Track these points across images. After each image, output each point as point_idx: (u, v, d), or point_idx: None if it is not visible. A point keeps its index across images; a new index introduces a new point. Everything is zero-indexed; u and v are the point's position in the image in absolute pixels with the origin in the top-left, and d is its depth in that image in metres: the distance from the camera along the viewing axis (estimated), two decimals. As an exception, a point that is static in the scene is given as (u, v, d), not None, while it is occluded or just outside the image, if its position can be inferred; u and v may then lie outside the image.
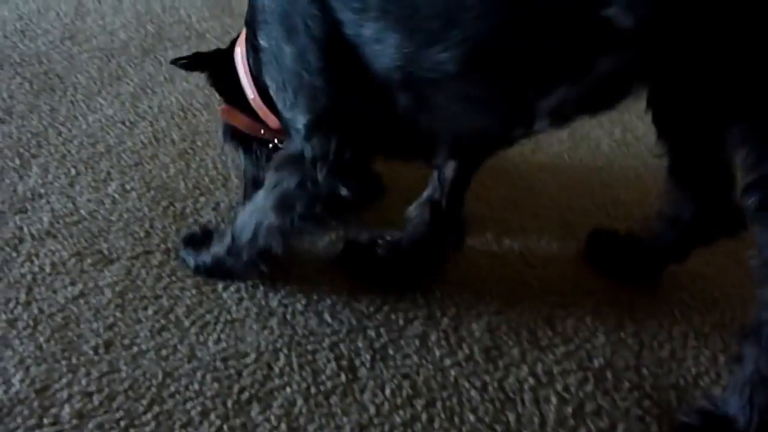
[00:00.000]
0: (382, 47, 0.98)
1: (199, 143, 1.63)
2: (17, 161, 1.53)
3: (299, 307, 1.22)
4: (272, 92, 1.14)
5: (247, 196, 1.33)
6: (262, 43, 1.12)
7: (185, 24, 2.11)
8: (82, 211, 1.40)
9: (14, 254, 1.30)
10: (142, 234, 1.36)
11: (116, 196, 1.45)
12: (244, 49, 1.23)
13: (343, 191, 1.08)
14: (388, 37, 0.97)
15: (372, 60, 1.00)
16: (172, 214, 1.41)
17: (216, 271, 1.25)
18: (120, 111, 1.72)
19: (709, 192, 1.20)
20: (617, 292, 1.32)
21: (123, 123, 1.68)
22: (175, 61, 1.35)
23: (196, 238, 1.30)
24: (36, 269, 1.27)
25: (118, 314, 1.19)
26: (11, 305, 1.20)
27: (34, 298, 1.22)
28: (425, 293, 1.26)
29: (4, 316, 1.18)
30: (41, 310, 1.19)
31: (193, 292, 1.24)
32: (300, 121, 1.08)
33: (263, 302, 1.23)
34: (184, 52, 1.91)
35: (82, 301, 1.21)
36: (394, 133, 1.08)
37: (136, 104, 1.75)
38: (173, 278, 1.27)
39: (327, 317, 1.21)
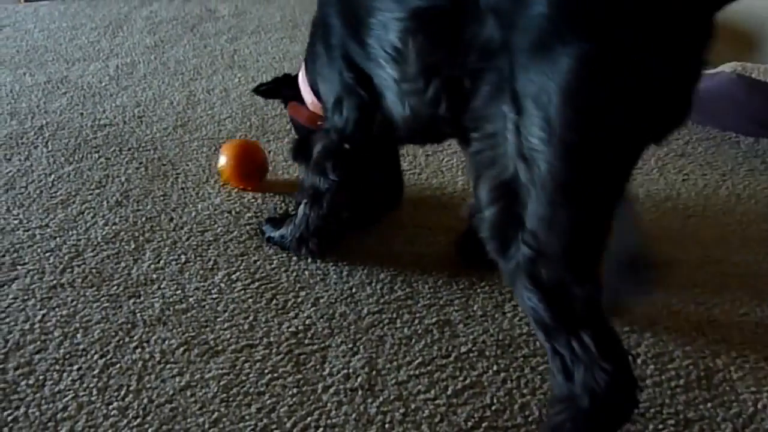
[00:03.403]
0: (342, 34, 1.27)
1: (300, 236, 1.60)
2: (132, 245, 1.53)
3: (398, 416, 1.17)
4: (317, 81, 1.43)
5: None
6: (316, 48, 1.40)
7: (286, 118, 2.11)
8: (191, 300, 1.39)
9: (127, 339, 1.29)
10: (246, 326, 1.33)
11: (222, 285, 1.43)
12: (304, 69, 1.51)
13: (347, 144, 1.35)
14: (341, 28, 1.26)
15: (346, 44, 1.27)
16: (275, 307, 1.39)
17: (285, 243, 1.51)
18: (227, 200, 1.72)
19: None
20: None
21: (230, 212, 1.67)
22: (256, 90, 1.61)
23: (276, 219, 1.56)
24: (146, 356, 1.25)
25: (222, 410, 1.16)
26: (123, 392, 1.18)
27: (144, 386, 1.20)
28: (523, 409, 1.20)
29: (116, 403, 1.16)
30: (151, 400, 1.17)
31: (294, 391, 1.21)
32: (329, 101, 1.36)
33: (362, 408, 1.18)
34: (285, 144, 1.93)
35: (188, 392, 1.19)
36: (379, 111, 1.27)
37: (242, 194, 1.75)
38: (275, 374, 1.24)
39: (425, 430, 1.15)
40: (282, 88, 1.61)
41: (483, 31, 0.94)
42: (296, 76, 1.58)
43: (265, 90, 1.61)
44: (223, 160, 1.74)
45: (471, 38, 0.96)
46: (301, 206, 1.47)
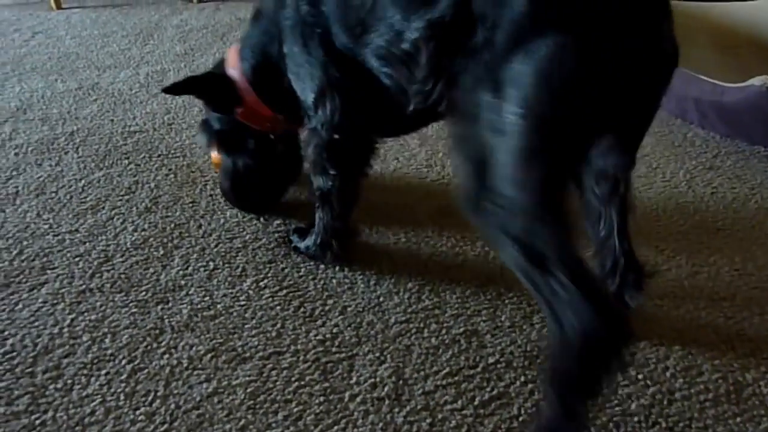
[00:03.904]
0: (337, 34, 1.31)
1: (327, 244, 1.59)
2: (161, 251, 1.53)
3: (425, 426, 1.16)
4: (293, 83, 1.42)
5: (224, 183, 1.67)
6: (286, 50, 1.41)
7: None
8: (219, 306, 1.38)
9: (155, 345, 1.28)
10: (273, 334, 1.33)
11: (251, 292, 1.43)
12: (239, 68, 1.52)
13: (336, 136, 1.38)
14: (338, 30, 1.30)
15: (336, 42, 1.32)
16: (302, 315, 1.38)
17: (311, 252, 1.53)
18: (256, 207, 1.71)
19: None
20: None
21: (258, 220, 1.67)
22: (166, 89, 1.53)
23: (303, 229, 1.56)
24: (174, 362, 1.25)
25: (249, 417, 1.15)
26: (150, 397, 1.18)
27: (172, 392, 1.19)
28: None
29: (143, 408, 1.15)
30: (178, 406, 1.16)
31: (321, 399, 1.20)
32: (309, 98, 1.38)
33: (389, 417, 1.17)
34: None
35: (216, 399, 1.18)
36: (365, 103, 1.35)
37: (271, 202, 1.74)
38: (302, 382, 1.23)
39: (453, 440, 1.14)
40: (204, 89, 1.59)
41: (472, 35, 1.04)
42: (219, 76, 1.57)
43: (177, 88, 1.57)
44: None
45: (464, 42, 1.06)
46: (317, 213, 1.50)
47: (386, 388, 1.22)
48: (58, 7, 3.23)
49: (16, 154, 1.91)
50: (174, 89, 1.56)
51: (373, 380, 1.24)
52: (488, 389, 1.23)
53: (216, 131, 1.63)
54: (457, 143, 1.10)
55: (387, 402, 1.20)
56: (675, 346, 1.35)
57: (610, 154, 1.22)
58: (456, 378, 1.25)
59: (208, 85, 1.58)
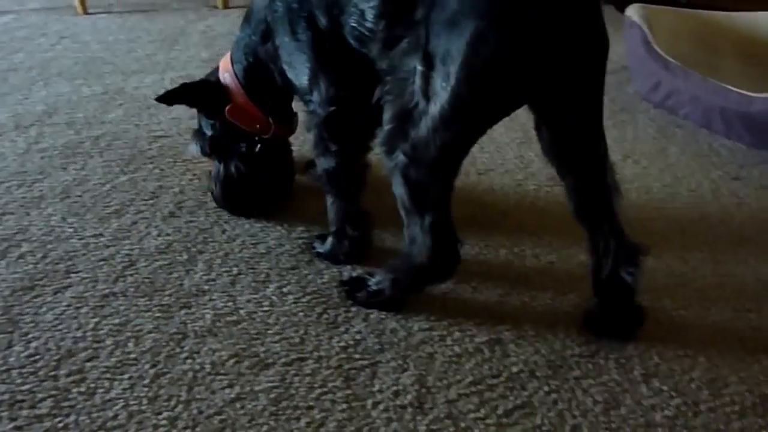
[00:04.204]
0: (319, 17, 1.37)
1: (350, 251, 1.59)
2: (185, 256, 1.53)
3: (448, 435, 1.15)
4: (288, 74, 1.48)
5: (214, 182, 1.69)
6: (278, 41, 1.46)
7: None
8: (242, 312, 1.38)
9: (177, 350, 1.28)
10: (296, 340, 1.32)
11: (274, 298, 1.43)
12: (231, 71, 1.59)
13: (331, 109, 1.41)
14: (319, 13, 1.37)
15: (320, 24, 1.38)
16: (325, 321, 1.38)
17: (331, 255, 1.55)
18: (279, 213, 1.71)
19: None
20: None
21: (282, 225, 1.67)
22: (159, 98, 1.57)
23: (326, 235, 1.56)
24: (197, 367, 1.25)
25: (272, 423, 1.15)
26: (173, 402, 1.18)
27: (194, 397, 1.19)
28: (574, 431, 1.17)
29: (166, 413, 1.15)
30: (200, 411, 1.16)
31: (344, 406, 1.19)
32: (304, 81, 1.43)
33: (411, 425, 1.17)
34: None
35: (238, 405, 1.18)
36: (356, 76, 1.38)
37: (294, 207, 1.74)
38: (324, 389, 1.22)
39: (476, 449, 1.13)
40: (196, 96, 1.64)
41: (414, 13, 1.17)
42: (212, 83, 1.62)
43: (169, 96, 1.60)
44: None
45: (408, 18, 1.18)
46: (328, 200, 1.53)
47: (409, 396, 1.21)
48: (84, 11, 3.26)
49: (42, 158, 1.92)
50: (166, 98, 1.59)
51: (395, 388, 1.23)
52: (511, 398, 1.22)
53: (209, 137, 1.65)
54: (390, 95, 1.24)
55: (409, 410, 1.19)
56: (700, 357, 1.33)
57: (579, 139, 1.29)
58: (479, 387, 1.25)
59: (201, 93, 1.62)
